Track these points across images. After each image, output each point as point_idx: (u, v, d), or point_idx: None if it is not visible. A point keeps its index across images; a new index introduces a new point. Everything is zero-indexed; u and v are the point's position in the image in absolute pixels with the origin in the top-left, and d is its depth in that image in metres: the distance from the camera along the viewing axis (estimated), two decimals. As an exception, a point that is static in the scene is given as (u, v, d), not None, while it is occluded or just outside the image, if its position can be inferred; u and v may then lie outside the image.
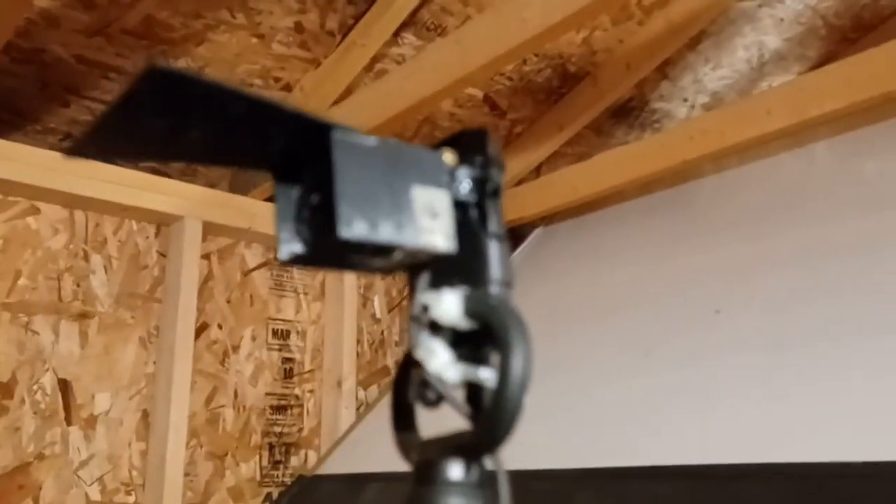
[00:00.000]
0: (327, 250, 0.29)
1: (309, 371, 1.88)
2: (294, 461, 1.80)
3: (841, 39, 1.91)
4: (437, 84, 1.45)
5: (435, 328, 0.30)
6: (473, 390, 0.30)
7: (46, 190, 1.54)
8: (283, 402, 1.81)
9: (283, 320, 1.86)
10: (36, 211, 1.57)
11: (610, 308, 1.62)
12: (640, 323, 1.52)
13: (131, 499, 1.56)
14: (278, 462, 1.77)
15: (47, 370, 1.52)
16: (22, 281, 1.53)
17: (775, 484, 0.99)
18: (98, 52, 1.52)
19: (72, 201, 1.59)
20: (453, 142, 0.32)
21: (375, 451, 1.48)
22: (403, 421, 0.33)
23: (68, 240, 1.60)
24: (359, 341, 1.94)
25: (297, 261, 0.30)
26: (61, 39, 1.48)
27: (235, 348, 1.77)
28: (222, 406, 1.72)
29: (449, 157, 0.31)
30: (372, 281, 2.02)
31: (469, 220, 0.31)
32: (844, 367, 1.15)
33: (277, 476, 1.76)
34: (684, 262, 1.68)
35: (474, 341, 0.30)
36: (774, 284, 1.46)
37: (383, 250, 0.28)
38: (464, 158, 0.31)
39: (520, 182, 2.06)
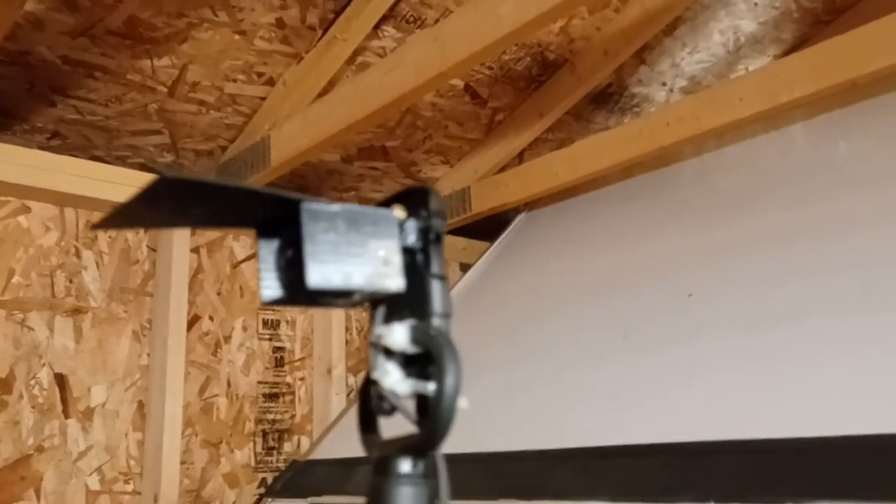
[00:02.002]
0: (300, 293, 0.36)
1: (299, 359, 1.95)
2: (287, 447, 1.88)
3: (815, 22, 1.97)
4: (417, 79, 1.50)
5: (388, 352, 0.38)
6: (422, 401, 0.38)
7: (36, 189, 1.60)
8: (275, 390, 1.89)
9: (273, 310, 1.93)
10: (27, 210, 1.63)
11: (589, 292, 1.69)
12: (618, 306, 1.59)
13: (130, 487, 1.64)
14: (272, 448, 1.85)
15: (43, 365, 1.59)
16: (16, 279, 1.59)
17: (748, 458, 1.06)
18: (83, 53, 1.57)
19: (62, 199, 1.65)
20: (403, 197, 0.39)
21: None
22: (367, 426, 0.41)
23: (60, 237, 1.66)
24: (347, 329, 2.01)
25: (276, 302, 0.37)
26: (46, 41, 1.53)
27: (227, 339, 1.84)
28: (216, 395, 1.80)
29: (399, 212, 0.38)
30: (359, 269, 2.09)
31: (416, 263, 0.38)
32: (817, 345, 1.22)
33: (272, 462, 1.84)
34: (663, 246, 1.75)
35: (421, 362, 0.37)
36: (751, 265, 1.53)
37: (345, 293, 0.36)
38: (411, 212, 0.38)
39: (503, 169, 2.12)
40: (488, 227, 2.19)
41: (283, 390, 1.91)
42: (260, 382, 1.87)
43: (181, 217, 0.34)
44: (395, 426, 0.41)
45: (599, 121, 2.15)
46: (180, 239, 1.74)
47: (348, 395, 1.95)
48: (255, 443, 1.84)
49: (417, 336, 0.37)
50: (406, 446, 0.38)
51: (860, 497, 0.83)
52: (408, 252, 0.38)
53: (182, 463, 1.68)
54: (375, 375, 0.38)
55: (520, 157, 2.16)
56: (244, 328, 1.88)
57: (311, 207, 0.35)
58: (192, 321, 1.79)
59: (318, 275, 0.34)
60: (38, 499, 1.53)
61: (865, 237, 1.40)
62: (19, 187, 1.59)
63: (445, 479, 0.37)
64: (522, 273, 1.96)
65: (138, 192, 0.30)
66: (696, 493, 0.98)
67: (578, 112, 2.10)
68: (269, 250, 0.37)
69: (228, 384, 1.82)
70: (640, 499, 1.04)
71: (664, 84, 2.08)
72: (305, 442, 1.90)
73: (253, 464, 1.82)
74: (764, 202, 1.69)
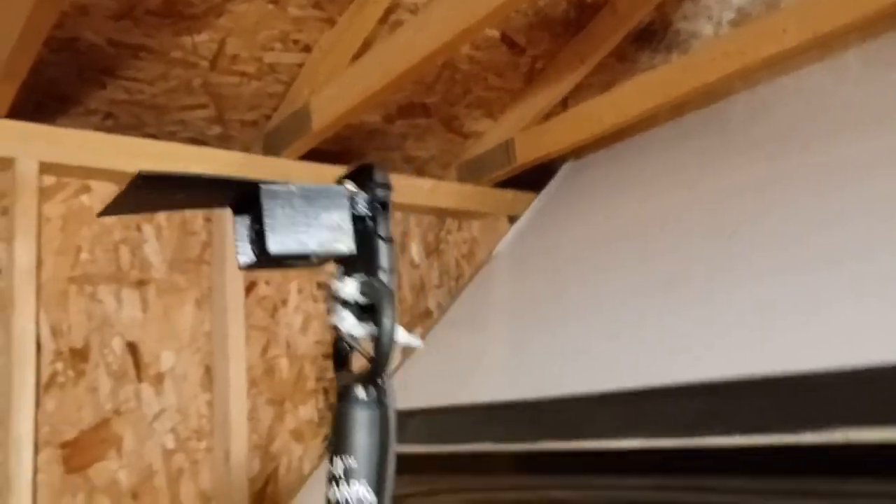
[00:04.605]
0: (269, 259, 0.45)
1: (354, 318, 2.08)
2: (348, 403, 2.01)
3: (870, -61, 1.92)
4: (450, 33, 1.55)
5: (345, 303, 0.47)
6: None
7: (95, 169, 1.74)
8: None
9: (326, 273, 2.05)
10: (88, 189, 1.78)
11: (635, 238, 1.74)
12: (662, 251, 1.64)
13: (202, 445, 1.81)
14: (333, 405, 1.99)
15: (115, 335, 1.76)
16: (83, 255, 1.75)
17: (771, 392, 1.11)
18: (126, 35, 1.70)
19: (119, 177, 1.80)
20: (354, 175, 0.48)
21: (418, 389, 1.68)
22: (338, 364, 0.51)
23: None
24: (399, 287, 2.12)
25: (250, 267, 0.47)
26: (92, 26, 1.65)
27: (284, 302, 1.98)
28: (277, 356, 1.94)
29: (350, 186, 0.47)
30: (408, 229, 2.19)
31: (367, 228, 0.47)
32: (862, 285, 1.23)
33: (334, 417, 1.98)
34: (710, 187, 1.77)
35: (373, 310, 0.47)
36: (799, 205, 1.54)
37: (302, 257, 0.45)
38: (360, 185, 0.47)
39: (546, 118, 2.16)
40: (535, 178, 2.25)
41: (341, 349, 2.03)
42: (317, 342, 2.01)
43: (169, 202, 0.44)
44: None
45: (644, 60, 2.16)
46: (232, 208, 1.86)
47: (403, 351, 2.07)
48: (317, 399, 1.98)
49: (365, 289, 0.47)
50: (360, 377, 0.48)
51: (871, 422, 0.89)
52: (360, 219, 0.48)
53: (249, 420, 1.83)
54: (333, 321, 0.48)
55: (563, 105, 2.19)
56: (299, 291, 2.01)
57: (269, 189, 0.44)
58: (250, 287, 1.93)
59: (277, 243, 0.44)
60: (119, 458, 1.71)
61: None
62: (79, 168, 1.74)
63: (394, 404, 0.46)
64: (569, 222, 2.02)
65: (126, 186, 0.39)
66: (721, 427, 1.04)
67: (621, 53, 2.12)
68: (242, 225, 0.47)
69: (288, 346, 1.96)
70: (670, 435, 1.11)
71: (710, 18, 2.07)
72: (365, 397, 2.03)
73: (316, 419, 1.97)
74: (818, 135, 1.69)
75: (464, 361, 1.78)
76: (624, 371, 1.39)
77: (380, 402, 0.49)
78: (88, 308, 1.74)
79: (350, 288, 0.49)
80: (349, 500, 0.47)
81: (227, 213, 1.61)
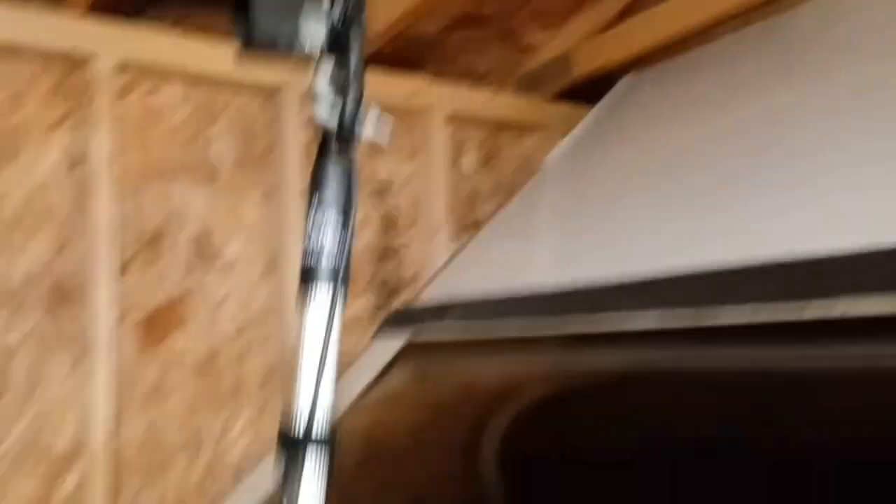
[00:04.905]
0: (254, 44, 0.55)
1: (406, 225, 2.19)
2: (397, 304, 2.14)
3: None
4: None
5: (322, 92, 0.58)
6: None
7: (166, 71, 1.88)
8: (385, 253, 2.14)
9: (380, 180, 2.15)
10: (159, 90, 1.92)
11: (680, 153, 1.77)
12: (705, 165, 1.66)
13: (264, 327, 1.97)
14: (383, 306, 2.12)
15: (185, 224, 1.91)
16: (155, 152, 1.90)
17: (776, 273, 1.14)
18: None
19: (189, 79, 1.93)
20: None
21: (459, 284, 1.79)
22: (322, 144, 0.61)
23: (189, 113, 1.95)
24: (451, 196, 2.21)
25: (243, 53, 0.57)
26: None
27: (341, 203, 2.09)
28: (333, 254, 2.07)
29: None
30: (462, 140, 2.26)
31: (341, 26, 0.56)
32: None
33: (383, 316, 2.11)
34: (762, 105, 1.76)
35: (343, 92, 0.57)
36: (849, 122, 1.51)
37: (283, 46, 0.54)
38: None
39: (605, 29, 2.18)
40: (595, 91, 2.27)
41: (393, 253, 2.15)
42: (371, 244, 2.13)
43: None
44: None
45: (706, -29, 2.13)
46: (293, 111, 1.98)
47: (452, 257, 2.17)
48: (368, 299, 2.11)
49: (336, 76, 0.57)
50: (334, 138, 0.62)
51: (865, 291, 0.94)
52: (337, 18, 0.57)
53: (306, 311, 1.97)
54: (314, 109, 0.59)
55: (621, 16, 2.20)
56: (356, 194, 2.12)
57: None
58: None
59: (260, 30, 0.54)
60: (189, 336, 1.89)
61: None
62: (152, 70, 1.87)
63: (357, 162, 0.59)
64: (621, 135, 2.05)
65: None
66: (735, 299, 1.11)
67: (683, -37, 2.09)
68: (238, 14, 0.57)
69: (344, 244, 2.08)
70: (685, 307, 1.18)
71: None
72: (415, 298, 2.15)
73: (368, 312, 2.11)
74: (882, 51, 1.65)
75: (507, 260, 1.87)
76: (656, 263, 1.45)
77: (347, 157, 0.67)
78: (161, 199, 1.90)
79: (325, 77, 0.62)
80: (324, 221, 0.72)
81: (291, 119, 1.72)
